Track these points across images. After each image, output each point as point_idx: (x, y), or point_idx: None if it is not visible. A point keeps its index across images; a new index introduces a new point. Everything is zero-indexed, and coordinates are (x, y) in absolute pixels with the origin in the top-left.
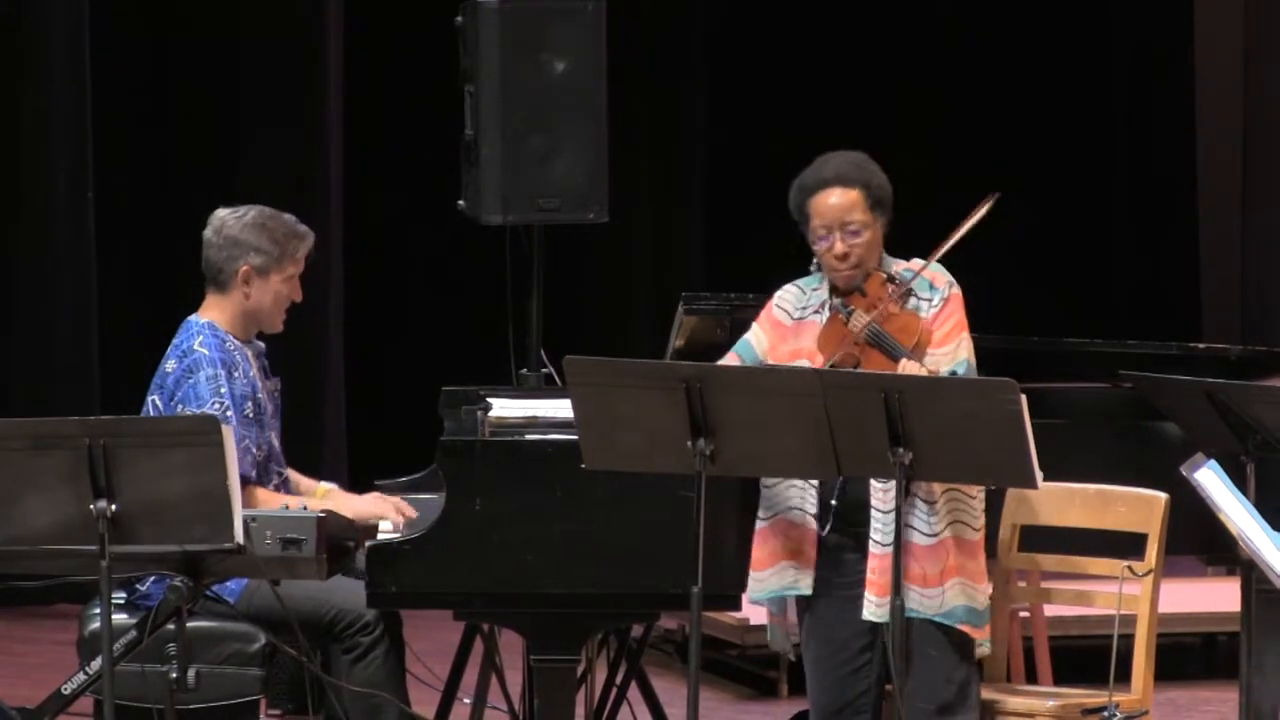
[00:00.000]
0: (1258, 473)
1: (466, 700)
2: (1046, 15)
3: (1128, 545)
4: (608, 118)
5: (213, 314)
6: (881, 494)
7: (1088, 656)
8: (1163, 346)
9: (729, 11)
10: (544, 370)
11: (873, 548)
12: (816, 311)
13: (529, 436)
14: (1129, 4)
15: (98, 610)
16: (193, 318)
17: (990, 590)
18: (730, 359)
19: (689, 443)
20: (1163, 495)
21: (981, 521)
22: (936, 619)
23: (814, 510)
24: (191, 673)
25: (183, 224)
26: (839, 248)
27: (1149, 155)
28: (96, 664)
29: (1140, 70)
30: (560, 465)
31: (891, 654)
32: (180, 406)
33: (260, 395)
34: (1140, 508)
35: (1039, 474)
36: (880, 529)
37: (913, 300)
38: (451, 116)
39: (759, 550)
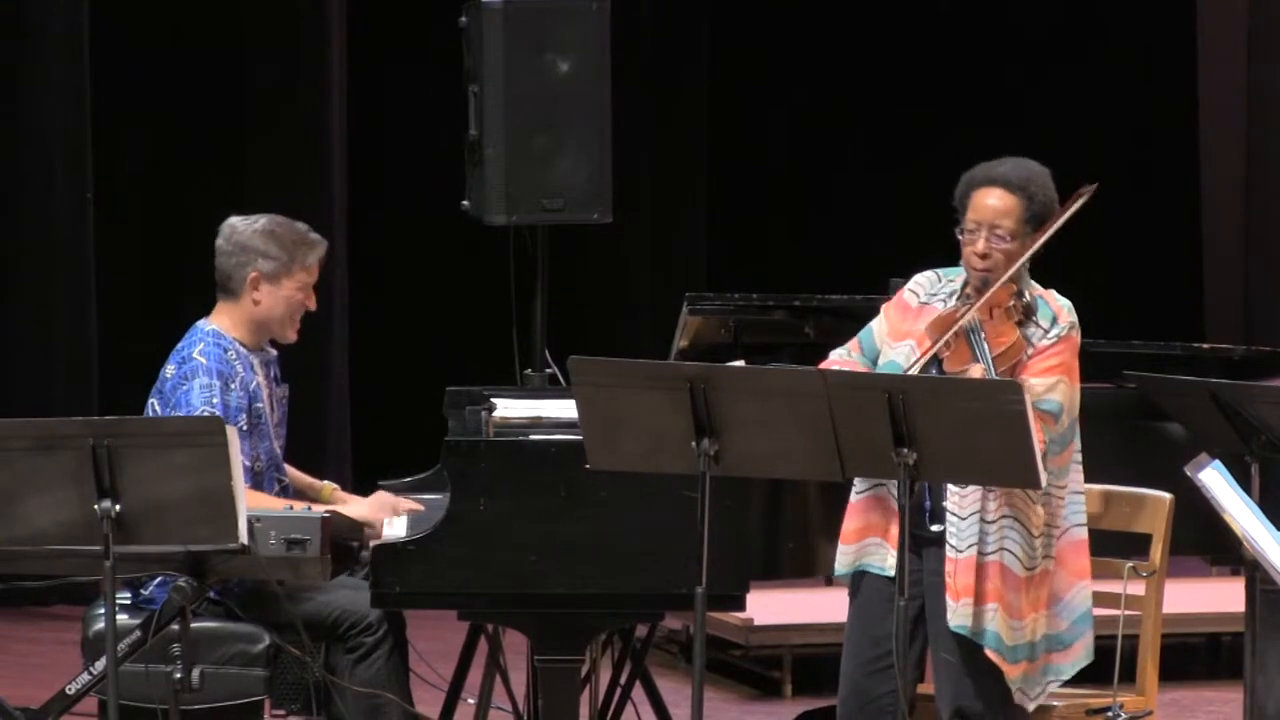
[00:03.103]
0: (1262, 473)
1: (470, 701)
2: (1046, 14)
3: (1132, 545)
4: (612, 118)
5: (221, 320)
6: (958, 499)
7: None
8: (1166, 347)
9: (733, 11)
10: (548, 370)
11: (949, 552)
12: (943, 300)
13: (533, 437)
14: (1129, 3)
15: (101, 611)
16: (200, 323)
17: (1031, 630)
18: (852, 345)
19: (693, 443)
20: (1167, 496)
21: (1039, 564)
22: (972, 636)
23: (895, 489)
24: (195, 673)
25: (183, 226)
26: (981, 246)
27: (1150, 154)
28: (101, 664)
29: (1141, 68)
30: (564, 465)
31: (895, 654)
32: (173, 413)
33: (260, 404)
34: (1145, 508)
35: (1043, 475)
36: (956, 534)
37: (1031, 323)
38: (455, 117)
39: (851, 522)
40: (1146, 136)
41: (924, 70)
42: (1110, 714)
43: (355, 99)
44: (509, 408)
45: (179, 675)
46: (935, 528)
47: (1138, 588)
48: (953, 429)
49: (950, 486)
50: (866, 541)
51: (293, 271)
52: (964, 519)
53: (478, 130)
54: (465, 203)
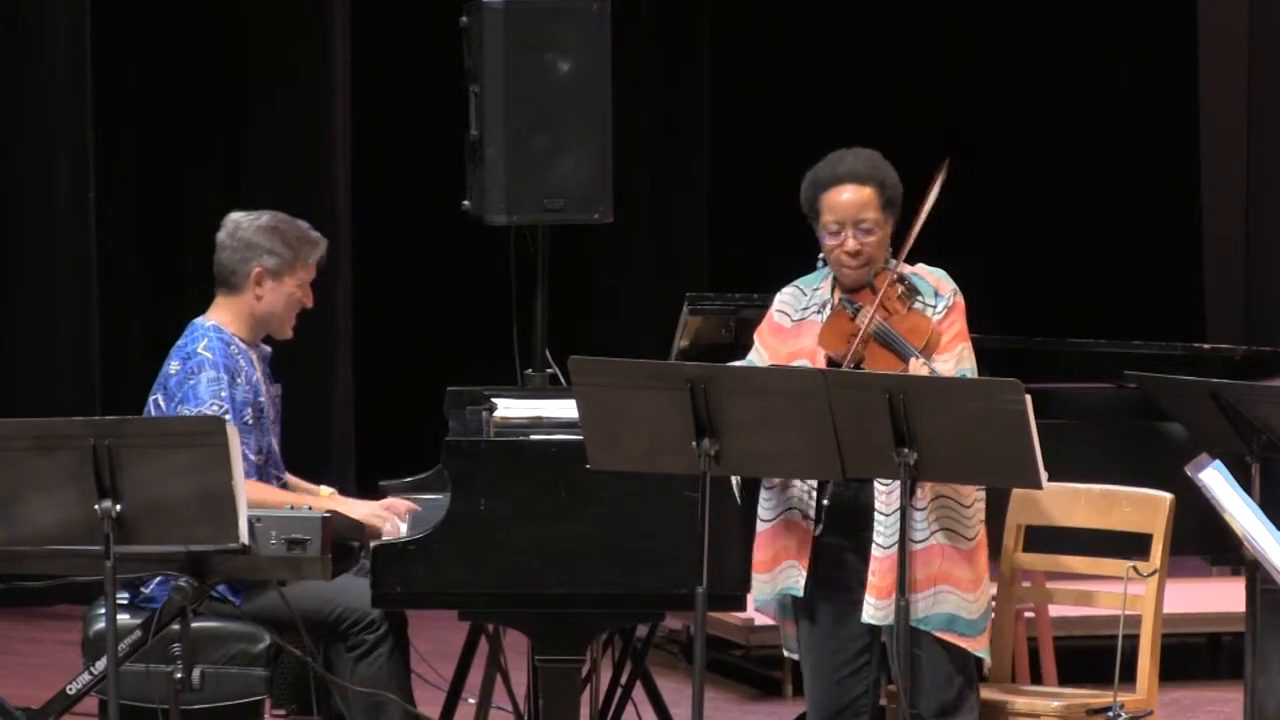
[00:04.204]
0: (1262, 473)
1: (471, 700)
2: (1046, 14)
3: (1132, 545)
4: (612, 117)
5: (221, 316)
6: (885, 496)
7: (1093, 657)
8: (1167, 347)
9: (733, 11)
10: (549, 370)
11: (874, 550)
12: (818, 311)
13: (534, 437)
14: (1129, 3)
15: (102, 611)
16: (199, 320)
17: (986, 598)
18: None
19: (694, 443)
20: (1168, 495)
21: (977, 530)
22: (917, 625)
23: (812, 511)
24: (196, 673)
25: (185, 225)
26: (850, 244)
27: (1151, 154)
28: (101, 664)
29: (1142, 68)
30: (565, 466)
31: (892, 656)
32: (181, 408)
33: (263, 399)
34: (1145, 508)
35: (1044, 474)
36: (883, 532)
37: (917, 303)
38: (456, 117)
39: (761, 552)
40: (1146, 136)
41: (923, 71)
42: (1110, 714)
43: (356, 99)
44: (509, 408)
45: (179, 675)
46: (818, 530)
47: (1138, 588)
48: (953, 429)
49: (878, 484)
50: (781, 566)
51: (295, 269)
52: (888, 515)
53: (478, 130)
54: (466, 203)
